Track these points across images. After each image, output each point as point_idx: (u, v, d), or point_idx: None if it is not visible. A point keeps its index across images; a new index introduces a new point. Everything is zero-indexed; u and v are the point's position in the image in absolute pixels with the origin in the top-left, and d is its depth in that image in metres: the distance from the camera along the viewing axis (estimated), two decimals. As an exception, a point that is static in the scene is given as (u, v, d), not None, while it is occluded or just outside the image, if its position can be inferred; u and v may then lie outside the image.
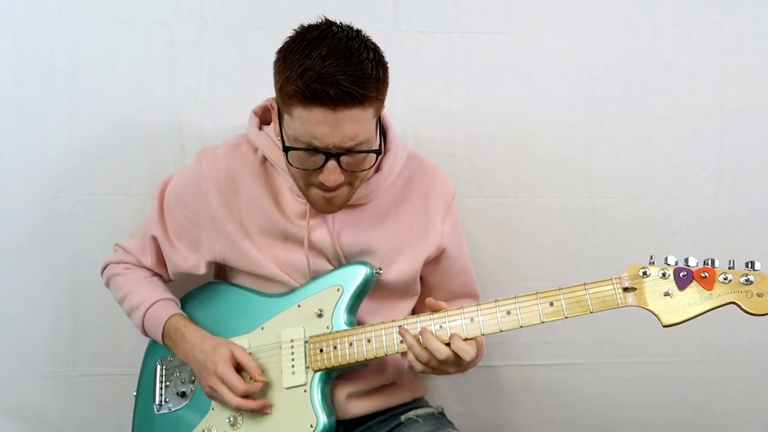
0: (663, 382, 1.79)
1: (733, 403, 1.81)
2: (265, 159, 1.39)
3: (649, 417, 1.81)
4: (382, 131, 1.41)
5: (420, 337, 1.24)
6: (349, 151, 1.21)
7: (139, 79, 1.65)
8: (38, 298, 1.71)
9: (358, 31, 1.23)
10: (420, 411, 1.46)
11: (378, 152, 1.26)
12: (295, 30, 1.24)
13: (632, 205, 1.72)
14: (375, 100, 1.21)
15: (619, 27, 1.68)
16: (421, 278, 1.49)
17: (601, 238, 1.72)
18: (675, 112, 1.71)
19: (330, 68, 1.15)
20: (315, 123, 1.18)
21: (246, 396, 1.31)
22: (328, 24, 1.22)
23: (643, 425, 1.82)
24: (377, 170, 1.38)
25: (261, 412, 1.33)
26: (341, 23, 1.23)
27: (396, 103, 1.63)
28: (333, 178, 1.23)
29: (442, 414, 1.50)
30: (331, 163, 1.22)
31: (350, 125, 1.18)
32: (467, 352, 1.23)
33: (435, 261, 1.46)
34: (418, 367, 1.25)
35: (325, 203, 1.30)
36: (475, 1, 1.66)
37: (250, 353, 1.36)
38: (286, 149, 1.24)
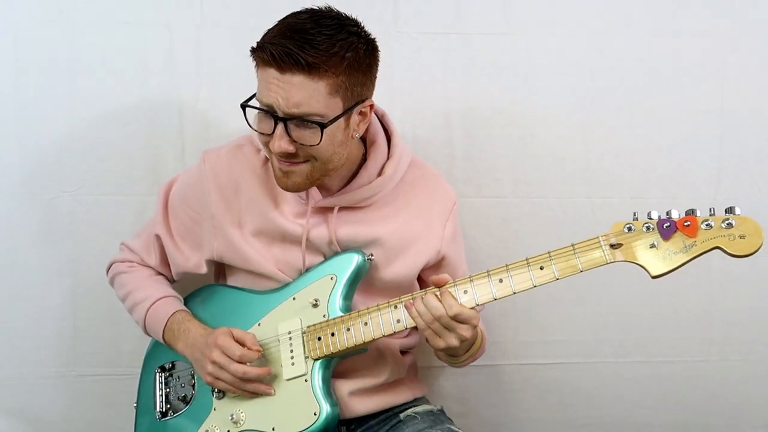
0: (663, 382, 1.79)
1: (733, 403, 1.81)
2: (267, 160, 1.40)
3: (649, 417, 1.81)
4: (387, 136, 1.42)
5: (423, 297, 1.26)
6: (294, 119, 1.22)
7: (139, 79, 1.66)
8: (38, 298, 1.71)
9: (344, 15, 1.25)
10: (419, 408, 1.47)
11: (322, 125, 1.22)
12: None
13: (632, 205, 1.69)
14: (327, 75, 1.20)
15: (619, 27, 1.68)
16: (424, 284, 1.49)
17: (600, 238, 1.71)
18: (675, 112, 1.70)
19: (286, 32, 1.20)
20: (267, 83, 1.22)
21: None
22: (320, 8, 1.26)
23: (643, 425, 1.82)
24: (379, 174, 1.39)
25: (264, 394, 1.34)
26: (335, 9, 1.26)
27: (396, 104, 1.63)
28: (278, 143, 1.24)
29: (441, 411, 1.51)
30: (278, 128, 1.23)
31: (296, 91, 1.20)
32: (451, 306, 1.24)
33: (436, 267, 1.46)
34: (421, 324, 1.25)
35: (281, 176, 1.31)
36: (475, 2, 1.66)
37: None
38: (242, 105, 1.27)
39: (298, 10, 1.26)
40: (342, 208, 1.38)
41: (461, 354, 1.37)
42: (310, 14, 1.24)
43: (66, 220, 1.69)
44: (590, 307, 1.74)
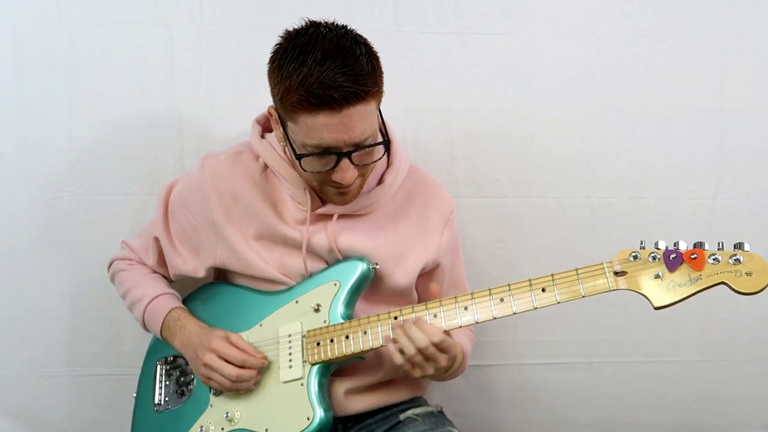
0: (662, 382, 1.79)
1: (733, 403, 1.81)
2: (266, 167, 1.41)
3: (648, 417, 1.81)
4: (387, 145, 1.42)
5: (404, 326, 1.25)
6: (359, 147, 1.23)
7: (138, 79, 1.66)
8: (38, 298, 1.71)
9: (345, 28, 1.24)
10: (419, 410, 1.47)
11: (386, 142, 1.29)
12: (281, 37, 1.24)
13: (631, 205, 1.72)
14: (375, 93, 1.23)
15: (619, 27, 1.68)
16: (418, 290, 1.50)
17: (600, 238, 1.72)
18: (675, 112, 1.71)
19: (329, 72, 1.17)
20: (322, 126, 1.20)
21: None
22: (314, 26, 1.23)
23: (642, 425, 1.82)
24: (379, 183, 1.40)
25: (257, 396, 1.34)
26: (326, 22, 1.24)
27: (396, 104, 1.62)
28: (348, 175, 1.25)
29: (441, 413, 1.51)
30: (344, 162, 1.24)
31: (356, 122, 1.20)
32: (434, 335, 1.23)
33: (430, 273, 1.47)
34: (398, 359, 1.26)
35: (340, 198, 1.34)
36: (475, 2, 1.66)
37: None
38: (298, 157, 1.25)
39: (298, 36, 1.21)
40: (341, 216, 1.38)
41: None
42: (323, 40, 1.19)
43: (66, 220, 1.69)
44: (590, 307, 1.74)
